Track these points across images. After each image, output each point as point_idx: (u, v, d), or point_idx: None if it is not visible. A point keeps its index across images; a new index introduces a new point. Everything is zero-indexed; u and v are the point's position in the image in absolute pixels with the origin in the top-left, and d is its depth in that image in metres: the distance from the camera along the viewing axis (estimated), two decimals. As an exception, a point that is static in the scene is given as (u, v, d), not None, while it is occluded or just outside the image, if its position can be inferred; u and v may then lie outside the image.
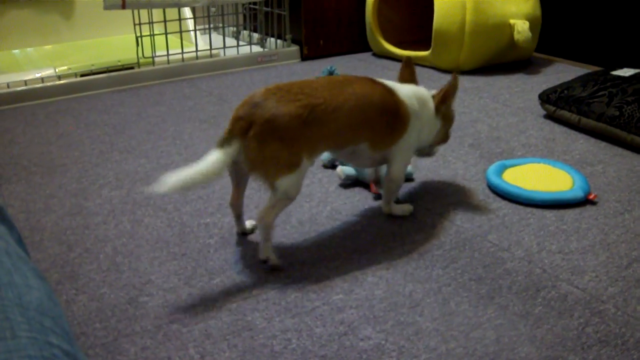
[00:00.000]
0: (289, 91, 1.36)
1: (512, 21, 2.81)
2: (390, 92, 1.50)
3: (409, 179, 1.82)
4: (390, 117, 1.49)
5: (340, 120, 1.40)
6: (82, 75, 2.72)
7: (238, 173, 1.44)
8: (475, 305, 1.27)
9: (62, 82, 2.65)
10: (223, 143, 1.33)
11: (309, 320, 1.23)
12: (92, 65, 2.76)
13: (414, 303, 1.28)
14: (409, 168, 1.80)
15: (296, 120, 1.33)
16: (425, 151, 1.69)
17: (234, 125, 1.33)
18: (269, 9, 3.21)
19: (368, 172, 1.76)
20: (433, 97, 1.60)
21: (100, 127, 2.26)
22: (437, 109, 1.60)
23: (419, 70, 2.92)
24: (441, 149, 2.00)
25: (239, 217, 1.53)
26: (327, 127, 1.38)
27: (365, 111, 1.44)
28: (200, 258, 1.44)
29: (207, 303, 1.29)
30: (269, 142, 1.32)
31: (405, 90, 1.54)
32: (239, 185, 1.48)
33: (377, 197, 1.71)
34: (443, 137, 1.67)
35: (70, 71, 2.72)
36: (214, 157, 1.31)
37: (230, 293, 1.32)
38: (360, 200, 1.71)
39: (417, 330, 1.20)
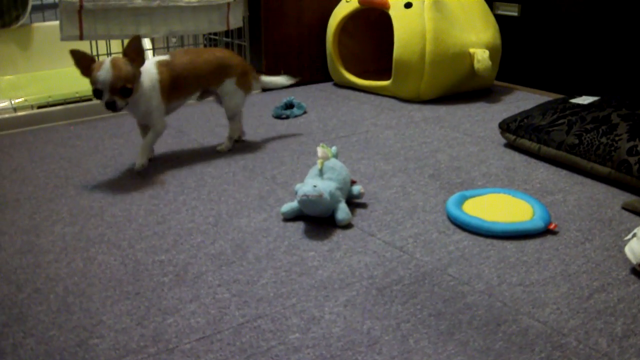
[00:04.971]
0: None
1: (472, 50, 2.82)
2: None
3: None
4: None
5: None
6: (38, 107, 2.67)
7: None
8: (434, 342, 1.25)
9: (17, 114, 2.59)
10: None
11: (264, 361, 1.20)
12: (49, 97, 2.71)
13: (372, 341, 1.25)
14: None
15: None
16: None
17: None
18: (229, 40, 3.20)
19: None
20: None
21: (55, 160, 2.22)
22: None
23: (379, 100, 2.94)
24: (401, 180, 1.99)
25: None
26: None
27: None
28: (154, 297, 1.40)
29: (160, 345, 1.24)
30: None
31: None
32: None
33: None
34: None
35: (26, 103, 2.67)
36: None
37: (184, 333, 1.28)
38: (319, 235, 1.68)
39: (376, 370, 1.17)
